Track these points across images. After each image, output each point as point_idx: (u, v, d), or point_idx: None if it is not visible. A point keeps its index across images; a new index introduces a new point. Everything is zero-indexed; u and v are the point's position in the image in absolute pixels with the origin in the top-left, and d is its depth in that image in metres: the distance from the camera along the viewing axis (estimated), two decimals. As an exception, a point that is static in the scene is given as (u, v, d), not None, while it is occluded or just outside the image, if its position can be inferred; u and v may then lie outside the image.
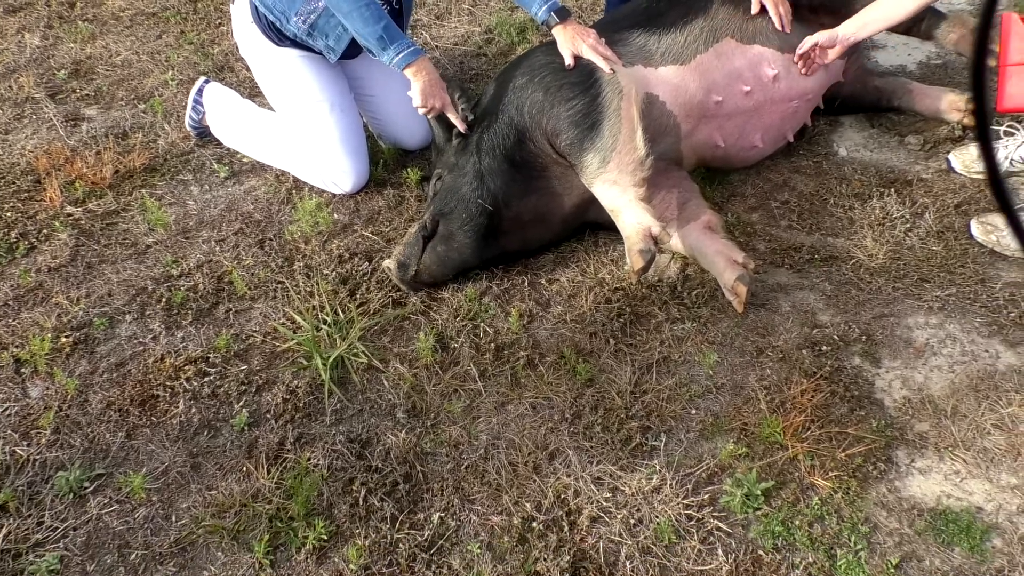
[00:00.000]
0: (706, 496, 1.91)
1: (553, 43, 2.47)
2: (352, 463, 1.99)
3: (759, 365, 2.21)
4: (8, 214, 2.66)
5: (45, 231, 2.60)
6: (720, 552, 1.81)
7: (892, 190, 2.70)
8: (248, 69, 3.05)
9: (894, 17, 2.58)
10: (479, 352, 2.25)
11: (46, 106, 3.12)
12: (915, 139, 2.92)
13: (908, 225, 2.59)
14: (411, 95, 2.45)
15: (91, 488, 1.93)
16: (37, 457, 1.99)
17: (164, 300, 2.38)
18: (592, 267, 2.49)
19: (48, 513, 1.88)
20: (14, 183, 2.77)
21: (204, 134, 2.94)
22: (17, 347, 2.23)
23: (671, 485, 1.93)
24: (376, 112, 2.85)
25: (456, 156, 2.46)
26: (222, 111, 2.84)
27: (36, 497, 1.91)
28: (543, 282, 2.46)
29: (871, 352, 2.23)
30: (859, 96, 2.97)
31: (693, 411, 2.11)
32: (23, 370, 2.20)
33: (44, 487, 1.93)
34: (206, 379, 2.17)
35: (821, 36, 2.59)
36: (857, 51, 2.95)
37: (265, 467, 1.97)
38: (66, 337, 2.27)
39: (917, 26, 2.90)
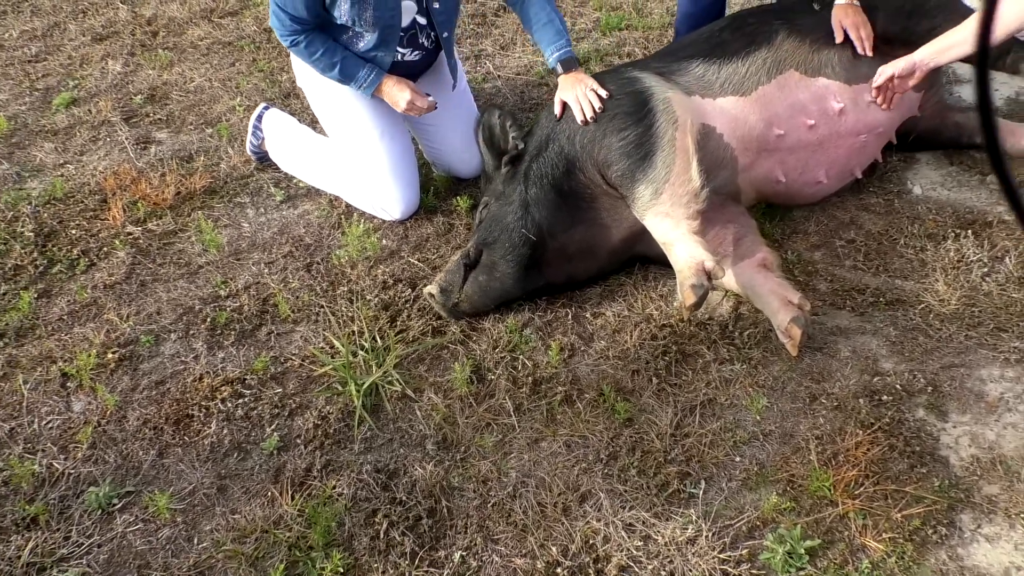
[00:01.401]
0: (744, 551, 1.78)
1: (604, 73, 2.42)
2: (376, 494, 1.94)
3: (811, 413, 2.07)
4: (73, 231, 2.74)
5: (105, 249, 2.68)
6: (756, 614, 1.67)
7: (970, 231, 2.52)
8: (310, 96, 3.10)
9: (1014, 28, 2.39)
10: (516, 385, 2.19)
11: (120, 129, 3.23)
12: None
13: (986, 269, 2.41)
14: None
15: (119, 505, 1.94)
16: (72, 471, 2.02)
17: (209, 320, 2.40)
18: (640, 302, 2.40)
19: (75, 528, 1.89)
20: (82, 202, 2.87)
21: (264, 159, 3.00)
22: (65, 361, 2.28)
23: (707, 537, 1.80)
24: (432, 140, 2.84)
25: (504, 184, 2.42)
26: (280, 136, 2.88)
27: (66, 512, 1.93)
28: (587, 316, 2.38)
29: (937, 405, 2.06)
30: (937, 132, 2.80)
31: (737, 459, 1.99)
32: (68, 384, 2.24)
33: (75, 502, 1.95)
34: (240, 400, 2.17)
35: (898, 65, 2.44)
36: (936, 83, 2.79)
37: (290, 493, 1.94)
38: (112, 353, 2.31)
39: (1002, 59, 2.73)
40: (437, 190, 2.85)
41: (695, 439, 2.02)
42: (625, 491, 1.92)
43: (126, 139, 3.17)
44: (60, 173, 3.00)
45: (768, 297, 2.22)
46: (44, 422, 2.14)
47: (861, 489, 1.86)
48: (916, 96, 2.69)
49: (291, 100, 3.39)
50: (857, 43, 2.52)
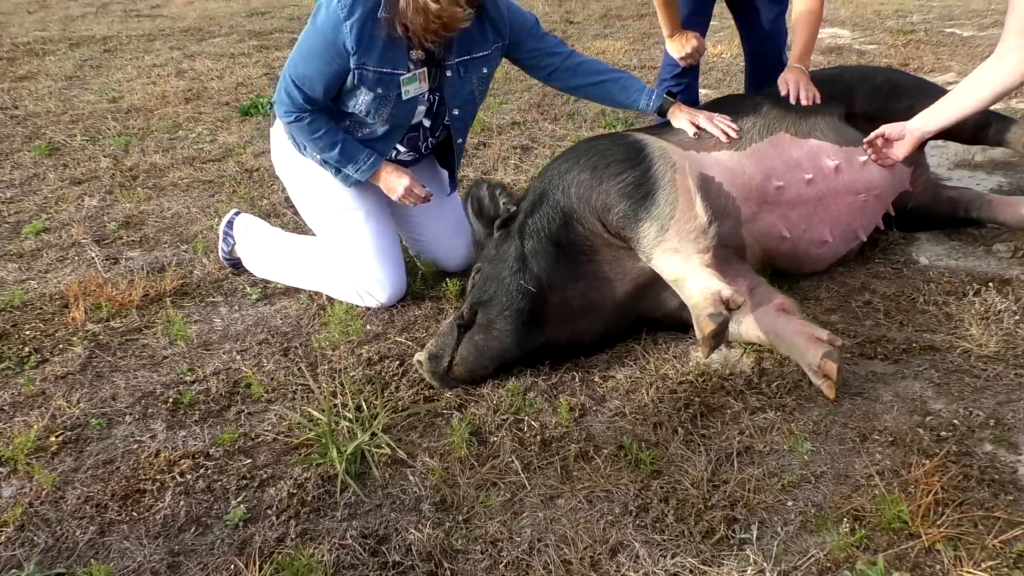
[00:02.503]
0: (819, 592, 1.45)
1: (595, 137, 2.38)
2: (364, 560, 1.60)
3: (865, 452, 1.80)
4: (27, 332, 2.51)
5: (61, 346, 2.43)
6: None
7: (990, 287, 2.39)
8: (287, 210, 3.01)
9: (967, 107, 2.41)
10: (522, 445, 1.91)
11: (90, 249, 3.09)
12: (1004, 247, 2.65)
13: (1017, 318, 2.25)
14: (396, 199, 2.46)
15: (44, 586, 1.57)
16: (-10, 555, 1.65)
17: (171, 401, 2.13)
18: (652, 364, 2.18)
19: (-15, 612, 1.51)
20: (41, 308, 2.65)
21: (238, 266, 2.84)
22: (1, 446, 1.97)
23: (771, 578, 1.48)
24: (416, 232, 2.73)
25: (497, 247, 2.28)
26: (251, 239, 2.75)
27: (-24, 596, 1.55)
28: (596, 379, 2.15)
29: (1005, 437, 1.81)
30: (932, 207, 2.76)
31: (789, 502, 1.69)
32: (1, 469, 1.91)
33: (-11, 586, 1.58)
34: (201, 472, 1.85)
35: (889, 127, 2.46)
36: (923, 163, 2.79)
37: (257, 564, 1.59)
38: (56, 436, 2.00)
39: (984, 131, 2.76)
40: (424, 277, 2.69)
41: (736, 485, 1.74)
42: (664, 540, 1.61)
43: (95, 256, 3.02)
44: (21, 287, 2.81)
45: (794, 338, 2.03)
46: (-36, 508, 1.79)
47: (943, 517, 1.57)
48: (907, 170, 2.67)
49: (271, 220, 3.29)
50: (793, 89, 2.55)
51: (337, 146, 2.39)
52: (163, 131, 4.55)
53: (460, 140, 2.58)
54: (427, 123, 2.51)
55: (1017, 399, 1.94)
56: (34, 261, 3.05)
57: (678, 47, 3.04)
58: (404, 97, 2.32)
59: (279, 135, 2.62)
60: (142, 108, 5.06)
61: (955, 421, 1.87)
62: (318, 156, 2.46)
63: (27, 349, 2.42)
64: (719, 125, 2.40)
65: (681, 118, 2.46)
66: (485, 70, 2.43)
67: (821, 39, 5.68)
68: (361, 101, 2.33)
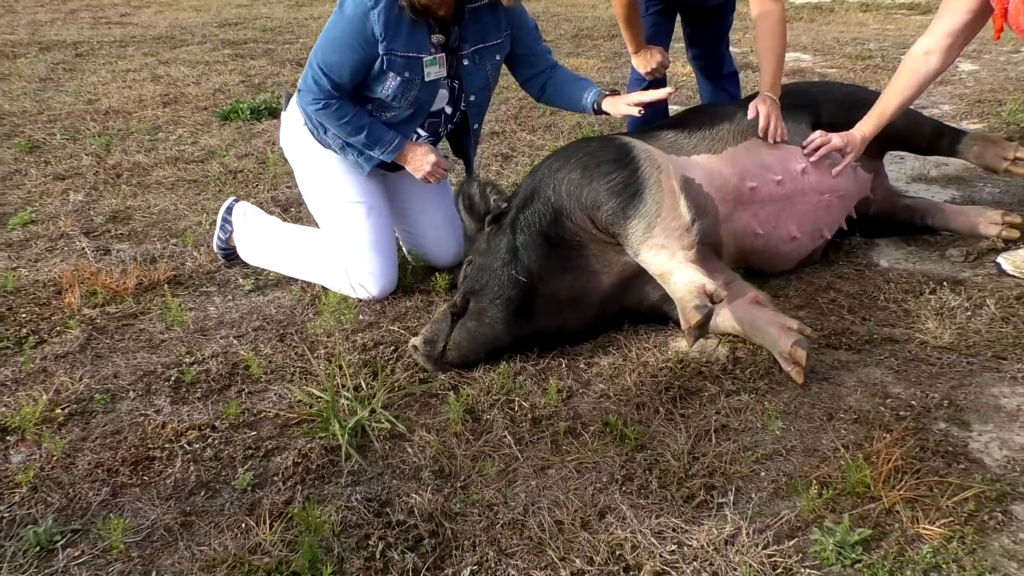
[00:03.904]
0: (790, 546, 1.59)
1: (580, 139, 2.52)
2: (369, 520, 1.70)
3: (832, 428, 1.95)
4: (23, 315, 2.56)
5: (58, 328, 2.49)
6: (820, 600, 1.46)
7: (945, 286, 2.58)
8: (276, 207, 3.10)
9: (898, 105, 2.63)
10: (514, 423, 2.02)
11: (79, 240, 3.14)
12: (957, 251, 2.85)
13: (969, 314, 2.44)
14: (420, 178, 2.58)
15: (62, 542, 1.64)
16: (6, 515, 1.71)
17: (173, 380, 2.20)
18: (635, 352, 2.32)
19: (7, 565, 1.57)
20: (35, 294, 2.70)
21: (231, 256, 2.92)
22: (5, 417, 2.02)
23: (748, 535, 1.61)
24: (410, 226, 2.84)
25: (488, 240, 2.40)
26: (248, 226, 2.84)
27: (-4, 552, 1.61)
28: (582, 365, 2.28)
29: (957, 417, 1.98)
30: (890, 214, 2.95)
31: (763, 472, 1.83)
32: (8, 438, 1.97)
33: (8, 543, 1.64)
34: (208, 442, 1.94)
35: (837, 137, 2.65)
36: (881, 172, 2.99)
37: (267, 523, 1.68)
38: (62, 409, 2.07)
39: (939, 142, 2.97)
40: (414, 271, 2.80)
41: (714, 457, 1.87)
42: (648, 504, 1.73)
43: (85, 247, 3.07)
44: (13, 274, 2.85)
45: (767, 327, 2.18)
46: (-26, 474, 1.85)
47: (902, 482, 1.72)
48: (867, 177, 2.86)
49: (259, 217, 3.37)
50: (763, 122, 2.63)
51: (364, 130, 2.49)
52: (143, 132, 4.60)
53: (476, 125, 2.72)
54: (448, 110, 2.64)
55: (968, 384, 2.11)
56: (23, 250, 3.09)
57: (643, 62, 3.21)
58: (427, 79, 2.45)
59: (292, 120, 2.71)
60: (120, 110, 5.10)
61: (912, 402, 2.03)
62: (343, 139, 2.55)
63: (24, 331, 2.47)
64: (649, 95, 2.52)
65: (615, 103, 2.55)
66: (498, 56, 2.59)
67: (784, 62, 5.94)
68: (388, 86, 2.44)
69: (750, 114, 2.66)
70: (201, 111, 5.11)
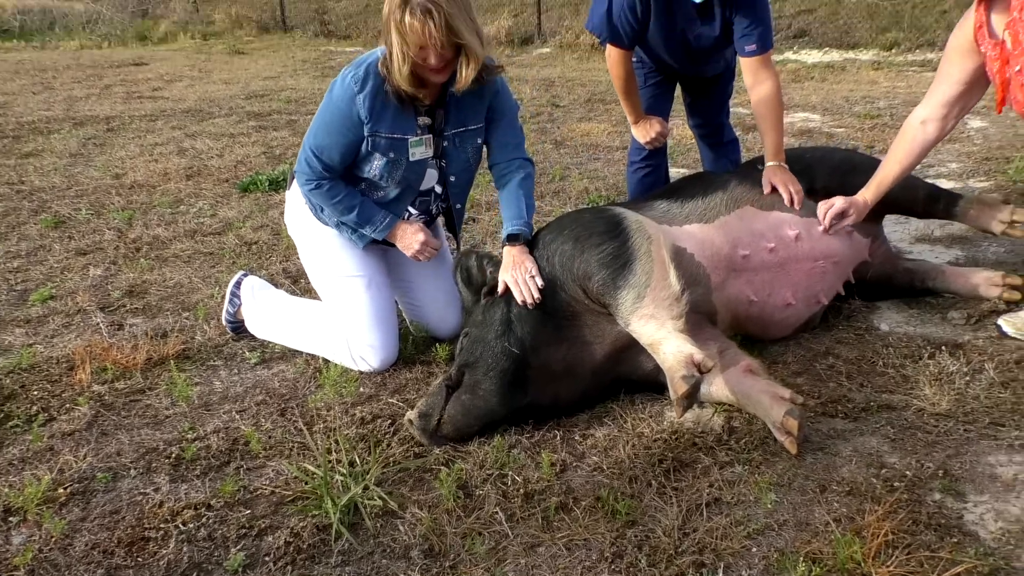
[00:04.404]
0: (778, 627, 1.57)
1: (574, 211, 2.58)
2: (356, 601, 1.71)
3: (824, 501, 1.94)
4: (35, 392, 2.63)
5: (68, 405, 2.55)
6: None
7: (944, 351, 2.57)
8: (285, 279, 3.16)
9: (897, 173, 2.67)
10: (506, 498, 2.03)
11: (95, 316, 3.23)
12: (958, 314, 2.84)
13: (968, 379, 2.42)
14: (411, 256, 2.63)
15: (54, 625, 1.67)
16: (2, 597, 1.75)
17: (173, 456, 2.25)
18: (630, 422, 2.33)
19: (-2, 649, 1.60)
20: (48, 370, 2.78)
21: (239, 329, 2.99)
22: (11, 496, 2.07)
23: (734, 615, 1.60)
24: (411, 298, 2.90)
25: (483, 313, 2.44)
26: (256, 300, 2.91)
27: (-11, 635, 1.65)
28: (576, 437, 2.29)
29: (952, 487, 1.96)
30: (890, 277, 2.96)
31: (754, 548, 1.82)
32: (11, 519, 2.02)
33: (1, 626, 1.67)
34: (203, 521, 1.96)
35: (838, 203, 2.68)
36: (880, 236, 3.00)
37: (256, 605, 1.70)
38: (64, 488, 2.11)
39: (935, 205, 2.99)
40: (416, 342, 2.84)
41: (705, 532, 1.86)
42: (636, 582, 1.72)
43: (100, 322, 3.16)
44: (29, 351, 2.94)
45: (759, 396, 2.18)
46: (-23, 555, 1.89)
47: (892, 558, 1.70)
48: (864, 242, 2.88)
49: (269, 290, 3.45)
50: (785, 195, 2.71)
51: (355, 209, 2.58)
52: (165, 206, 4.75)
53: (459, 206, 2.78)
54: (439, 188, 2.71)
55: (965, 452, 2.09)
56: (41, 326, 3.19)
57: (642, 132, 3.29)
58: (412, 159, 2.53)
59: (295, 199, 2.81)
60: (145, 184, 5.27)
61: (907, 472, 2.01)
62: (336, 218, 2.64)
63: (35, 408, 2.54)
64: (531, 291, 2.33)
65: (505, 271, 2.39)
66: (479, 140, 2.66)
67: (793, 122, 6.01)
68: (375, 166, 2.53)
69: (765, 190, 2.71)
70: (222, 183, 5.27)
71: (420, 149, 2.54)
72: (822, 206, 2.69)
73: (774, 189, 2.75)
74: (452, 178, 2.67)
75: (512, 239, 2.49)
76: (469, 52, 2.33)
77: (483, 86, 2.52)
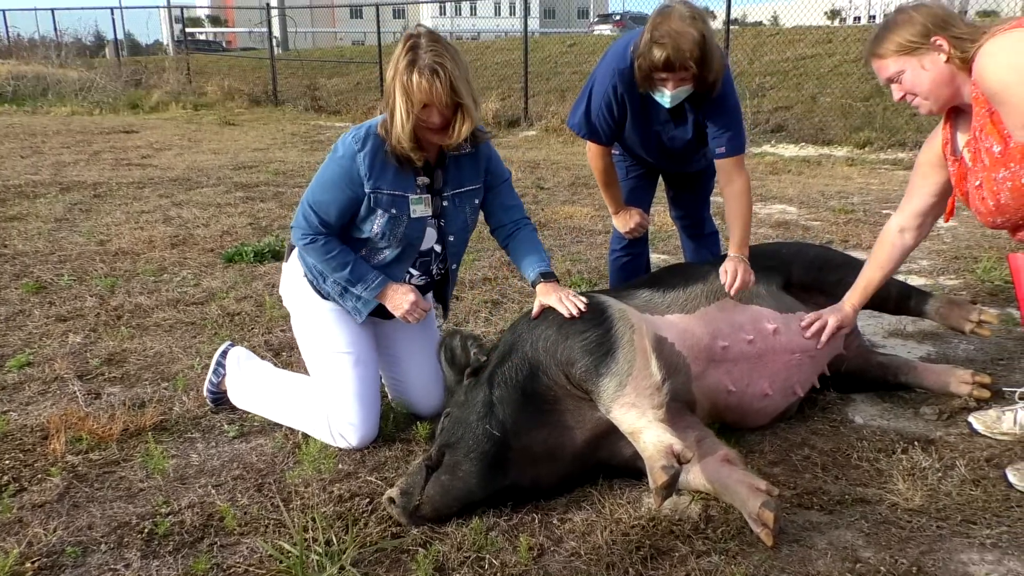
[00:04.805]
0: None
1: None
2: None
3: (800, 595, 1.95)
4: (6, 462, 2.59)
5: (39, 476, 2.52)
6: None
7: (916, 446, 2.62)
8: (267, 352, 3.17)
9: (879, 280, 2.78)
10: (483, 583, 2.02)
11: (72, 384, 3.21)
12: (930, 409, 2.90)
13: (940, 475, 2.46)
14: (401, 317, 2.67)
15: None
16: (-39, 675, 1.70)
17: (146, 532, 2.21)
18: (608, 508, 2.33)
19: None
20: (20, 439, 2.75)
21: (219, 401, 2.99)
22: (-24, 568, 2.03)
23: None
24: (396, 373, 2.92)
25: (466, 393, 2.46)
26: (240, 370, 2.92)
27: None
28: (555, 521, 2.29)
29: (926, 584, 1.97)
30: (863, 371, 3.02)
31: (730, 641, 1.81)
32: (-25, 592, 1.97)
33: None
34: (175, 599, 1.93)
35: (832, 317, 2.77)
36: (855, 330, 3.08)
37: None
38: (32, 562, 2.07)
39: (906, 303, 3.09)
40: (396, 419, 2.85)
41: (682, 624, 1.86)
42: (612, 674, 1.71)
43: (77, 390, 3.14)
44: (3, 419, 2.91)
45: (736, 487, 2.21)
46: (-63, 629, 1.84)
47: (868, 655, 1.71)
48: (840, 336, 2.95)
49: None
50: (728, 279, 2.72)
51: (348, 266, 2.62)
52: (149, 274, 4.77)
53: (454, 266, 2.85)
54: (438, 248, 2.77)
55: (938, 549, 2.11)
56: (16, 393, 3.16)
57: (622, 223, 3.38)
58: (413, 216, 2.61)
59: (292, 270, 2.84)
60: (129, 251, 5.30)
61: (881, 568, 2.03)
62: (329, 276, 2.67)
63: (5, 478, 2.50)
64: (576, 304, 2.46)
65: (547, 296, 2.53)
66: (476, 201, 2.76)
67: (771, 214, 6.19)
68: (377, 223, 2.60)
69: (721, 277, 2.77)
70: (207, 252, 5.30)
71: (420, 207, 2.62)
72: (811, 319, 2.79)
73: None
74: (451, 237, 2.74)
75: (546, 276, 2.62)
76: (466, 112, 2.46)
77: (478, 147, 2.67)
